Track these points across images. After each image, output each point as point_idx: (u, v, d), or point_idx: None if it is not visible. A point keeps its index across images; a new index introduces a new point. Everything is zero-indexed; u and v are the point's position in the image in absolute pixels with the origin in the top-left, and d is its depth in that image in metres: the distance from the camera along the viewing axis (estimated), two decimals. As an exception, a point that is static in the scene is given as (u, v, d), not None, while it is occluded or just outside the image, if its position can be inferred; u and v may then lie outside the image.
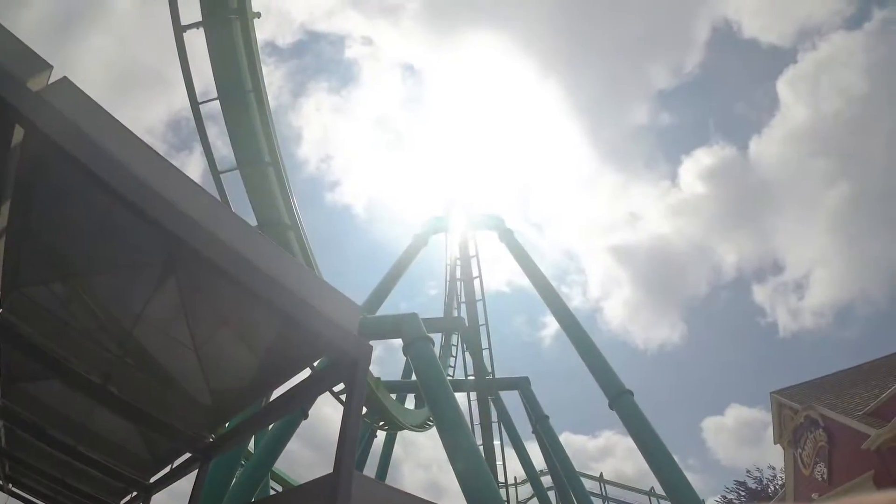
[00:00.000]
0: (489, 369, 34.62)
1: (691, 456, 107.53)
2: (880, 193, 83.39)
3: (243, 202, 14.47)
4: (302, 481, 5.86)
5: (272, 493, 23.04)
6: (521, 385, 33.41)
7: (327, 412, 67.64)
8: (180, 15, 11.80)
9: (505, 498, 36.46)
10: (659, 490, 19.46)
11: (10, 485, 10.82)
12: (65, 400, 7.01)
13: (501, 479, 36.13)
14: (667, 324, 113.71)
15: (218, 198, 11.85)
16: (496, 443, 35.68)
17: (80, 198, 4.16)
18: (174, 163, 4.30)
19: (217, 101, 13.02)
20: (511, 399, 35.25)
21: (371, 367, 6.32)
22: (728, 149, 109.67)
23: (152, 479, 8.66)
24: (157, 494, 8.71)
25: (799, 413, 25.69)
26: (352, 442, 4.52)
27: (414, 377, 22.18)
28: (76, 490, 9.70)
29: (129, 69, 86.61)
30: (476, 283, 35.12)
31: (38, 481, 9.76)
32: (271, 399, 6.29)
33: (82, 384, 6.33)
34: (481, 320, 34.67)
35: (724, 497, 43.34)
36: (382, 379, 25.84)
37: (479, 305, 34.91)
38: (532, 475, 34.91)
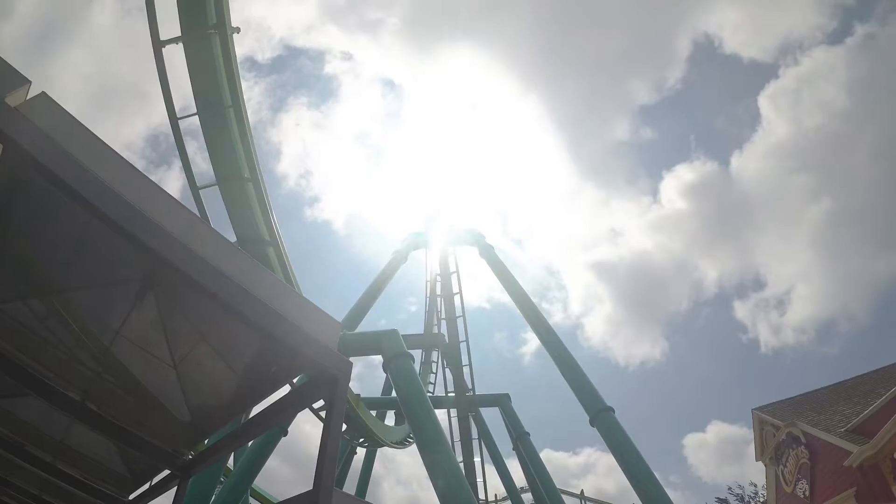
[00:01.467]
0: (469, 386, 34.52)
1: (673, 473, 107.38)
2: (862, 209, 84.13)
3: (222, 218, 14.40)
4: (281, 498, 5.83)
5: (251, 511, 22.86)
6: (501, 402, 33.31)
7: (307, 429, 67.34)
8: (159, 30, 11.75)
9: (485, 515, 36.39)
10: (640, 506, 19.51)
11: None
12: (43, 416, 6.94)
13: (482, 496, 35.98)
14: (648, 340, 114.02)
15: (197, 214, 11.80)
16: (476, 459, 35.55)
17: (58, 213, 4.15)
18: (153, 178, 4.29)
19: (196, 117, 12.98)
20: (491, 416, 35.18)
21: (351, 384, 6.30)
22: (709, 164, 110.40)
23: (131, 497, 8.57)
24: (135, 512, 8.62)
25: (781, 430, 25.76)
26: (332, 459, 4.51)
27: (394, 394, 22.09)
28: (54, 508, 9.59)
29: (108, 84, 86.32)
30: (456, 299, 35.04)
31: (15, 498, 9.61)
32: (251, 416, 6.25)
33: (61, 401, 6.28)
34: (462, 337, 34.59)
35: (705, 513, 43.40)
36: (362, 396, 25.70)
37: (460, 322, 34.79)
38: (512, 492, 34.74)
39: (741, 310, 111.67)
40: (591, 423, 19.85)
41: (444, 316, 35.25)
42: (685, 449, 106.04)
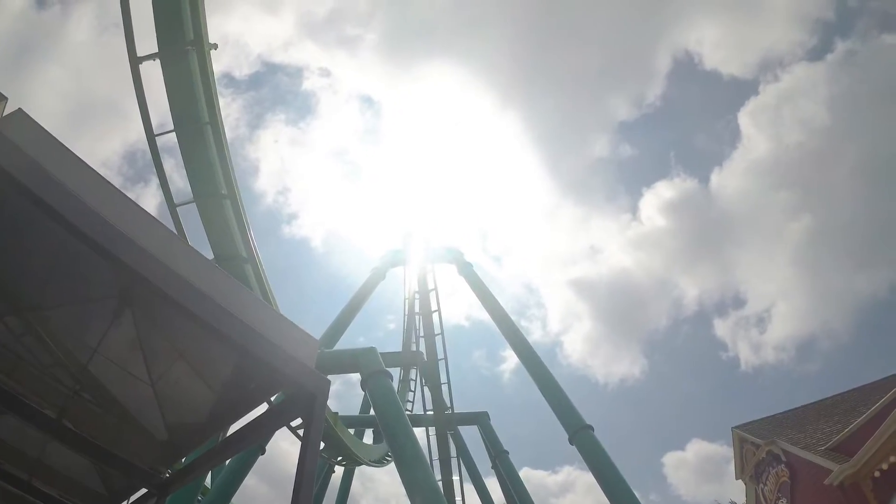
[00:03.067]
0: (448, 404, 34.42)
1: (653, 491, 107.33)
2: (843, 226, 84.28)
3: (200, 235, 14.33)
4: (258, 518, 5.80)
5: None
6: (480, 420, 33.33)
7: (285, 447, 66.76)
8: (136, 46, 11.72)
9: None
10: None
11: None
12: (19, 434, 6.86)
13: (461, 514, 35.84)
14: (627, 358, 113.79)
15: (174, 231, 11.75)
16: (455, 478, 35.37)
17: (35, 230, 4.12)
18: (130, 195, 4.28)
19: (173, 134, 12.94)
20: (470, 434, 35.17)
21: (329, 402, 6.29)
22: (689, 181, 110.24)
23: (108, 516, 8.48)
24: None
25: (761, 448, 25.76)
26: (309, 477, 4.49)
27: (372, 412, 22.00)
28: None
29: (85, 101, 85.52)
30: (435, 316, 34.92)
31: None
32: (228, 434, 6.21)
33: (37, 418, 6.20)
34: (440, 354, 34.48)
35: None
36: (340, 414, 25.58)
37: (438, 339, 34.67)
38: (491, 511, 34.71)
39: (721, 327, 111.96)
40: (571, 441, 19.86)
41: (422, 334, 35.14)
42: (665, 467, 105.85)
